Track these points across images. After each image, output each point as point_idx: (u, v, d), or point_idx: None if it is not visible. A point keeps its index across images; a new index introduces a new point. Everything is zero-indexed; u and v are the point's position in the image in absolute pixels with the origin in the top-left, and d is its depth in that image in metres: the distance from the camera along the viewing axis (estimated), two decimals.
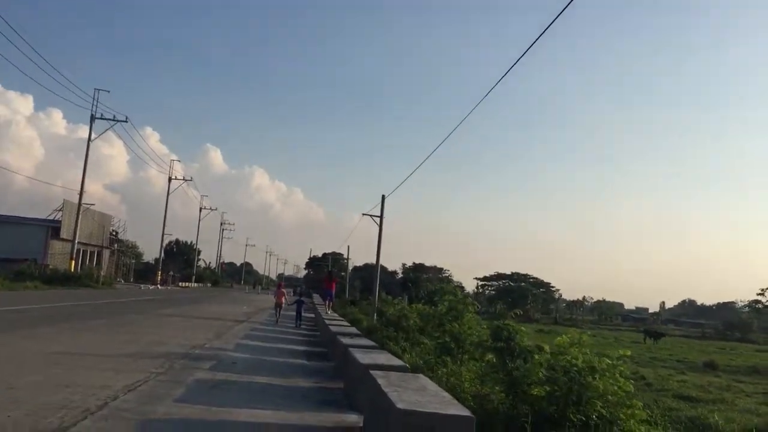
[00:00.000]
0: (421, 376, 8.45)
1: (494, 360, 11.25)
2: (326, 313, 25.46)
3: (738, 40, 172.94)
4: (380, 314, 29.56)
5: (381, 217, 38.42)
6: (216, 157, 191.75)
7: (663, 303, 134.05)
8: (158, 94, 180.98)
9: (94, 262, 62.81)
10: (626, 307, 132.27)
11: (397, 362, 9.14)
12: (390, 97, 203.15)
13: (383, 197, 38.14)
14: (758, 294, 79.58)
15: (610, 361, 9.09)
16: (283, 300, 26.80)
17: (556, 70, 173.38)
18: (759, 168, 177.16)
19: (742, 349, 47.74)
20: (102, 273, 56.90)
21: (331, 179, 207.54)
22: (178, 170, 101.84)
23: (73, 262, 51.46)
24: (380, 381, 7.12)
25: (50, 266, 52.41)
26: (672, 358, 33.19)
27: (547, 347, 11.03)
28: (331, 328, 15.95)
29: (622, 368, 9.30)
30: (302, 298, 28.05)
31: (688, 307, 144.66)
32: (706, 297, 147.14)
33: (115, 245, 72.14)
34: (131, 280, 73.80)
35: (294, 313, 26.27)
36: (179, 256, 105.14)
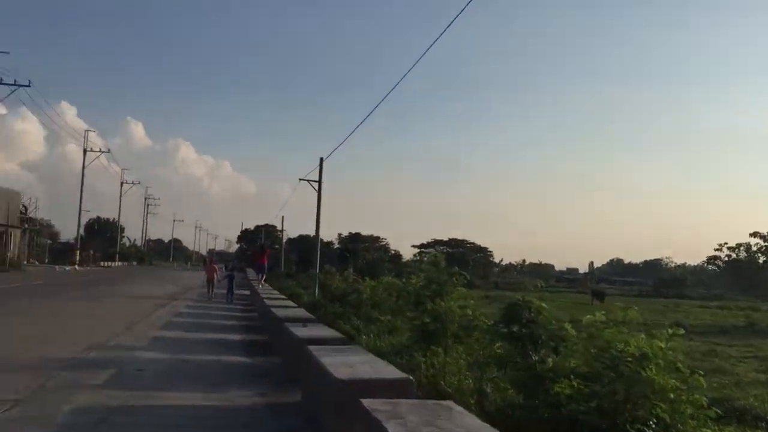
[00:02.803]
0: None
1: (503, 351, 8.39)
2: (259, 287, 24.17)
3: None
4: (323, 288, 27.36)
5: (320, 182, 35.12)
6: (138, 130, 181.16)
7: (592, 263, 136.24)
8: (72, 65, 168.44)
9: (7, 244, 56.77)
10: (557, 268, 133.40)
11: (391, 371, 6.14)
12: (319, 58, 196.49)
13: (321, 160, 34.80)
14: (716, 249, 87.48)
15: (661, 344, 6.50)
16: (215, 275, 26.47)
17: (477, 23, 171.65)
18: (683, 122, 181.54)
19: (686, 306, 47.13)
20: (9, 254, 51.31)
21: (261, 151, 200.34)
22: (97, 143, 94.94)
23: None
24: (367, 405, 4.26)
25: None
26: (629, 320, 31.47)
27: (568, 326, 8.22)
28: (275, 311, 12.70)
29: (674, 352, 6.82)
30: (233, 273, 27.65)
31: (616, 266, 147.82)
32: (632, 256, 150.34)
33: (26, 224, 65.78)
34: (46, 261, 67.76)
35: (225, 291, 25.53)
36: (102, 235, 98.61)
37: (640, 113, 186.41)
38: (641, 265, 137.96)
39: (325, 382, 5.74)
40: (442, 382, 9.70)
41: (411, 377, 5.55)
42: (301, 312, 13.47)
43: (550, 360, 7.65)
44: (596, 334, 7.12)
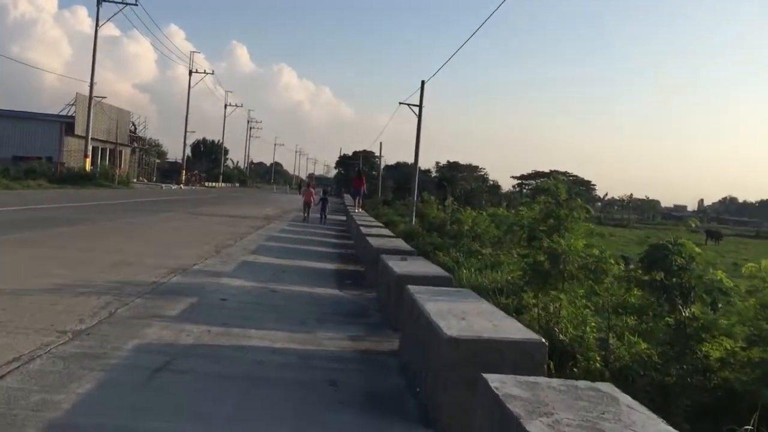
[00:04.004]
0: None
1: (643, 302, 6.93)
2: (356, 211, 24.80)
3: None
4: (420, 216, 26.30)
5: (420, 106, 33.57)
6: (243, 54, 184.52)
7: (702, 200, 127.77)
8: None
9: (115, 161, 59.16)
10: (663, 205, 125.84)
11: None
12: None
13: (422, 82, 33.09)
14: None
15: None
16: (312, 199, 26.97)
17: None
18: None
19: None
20: (120, 172, 53.38)
21: (361, 76, 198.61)
22: (204, 66, 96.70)
23: (88, 160, 47.88)
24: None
25: (65, 164, 49.05)
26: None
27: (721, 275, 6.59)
28: (371, 240, 11.62)
29: None
30: (326, 197, 28.66)
31: (729, 204, 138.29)
32: (748, 194, 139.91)
33: (135, 143, 68.31)
34: (154, 179, 70.53)
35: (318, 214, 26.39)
36: (207, 156, 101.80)
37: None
38: (757, 205, 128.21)
39: (431, 336, 4.54)
40: (557, 330, 8.38)
41: (544, 340, 4.24)
42: (399, 242, 12.35)
43: (700, 317, 6.15)
44: (762, 287, 5.64)
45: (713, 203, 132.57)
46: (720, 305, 6.17)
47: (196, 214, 24.00)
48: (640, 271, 6.88)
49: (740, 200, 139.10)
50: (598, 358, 6.79)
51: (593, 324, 7.61)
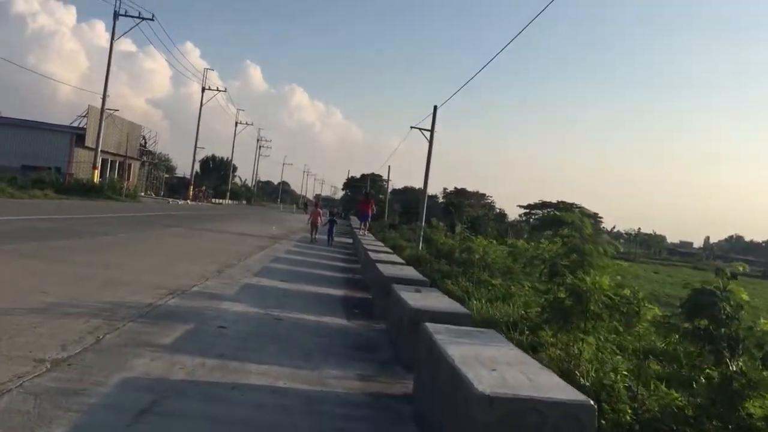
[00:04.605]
0: None
1: (680, 350, 6.33)
2: (363, 234, 24.39)
3: None
4: (427, 242, 25.65)
5: (432, 131, 33.27)
6: (256, 74, 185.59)
7: (708, 238, 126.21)
8: (197, 6, 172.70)
9: (124, 174, 58.91)
10: (668, 240, 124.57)
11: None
12: (434, 8, 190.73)
13: (435, 108, 32.90)
14: None
15: None
16: (319, 220, 26.82)
17: None
18: None
19: None
20: (128, 185, 53.09)
21: (371, 99, 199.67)
22: (216, 82, 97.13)
23: (97, 171, 47.59)
24: None
25: (73, 175, 48.79)
26: None
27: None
28: (381, 268, 11.05)
29: None
30: (334, 218, 29.02)
31: (735, 243, 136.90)
32: (755, 233, 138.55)
33: (144, 157, 68.17)
34: (161, 194, 70.26)
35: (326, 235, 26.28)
36: (215, 172, 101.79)
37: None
38: (764, 244, 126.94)
39: (455, 387, 3.97)
40: (578, 374, 7.78)
41: (593, 403, 3.64)
42: (410, 271, 11.77)
43: (750, 373, 5.53)
44: None
45: (719, 241, 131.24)
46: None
47: (201, 230, 23.49)
48: (679, 317, 6.27)
49: (747, 239, 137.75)
50: (629, 411, 6.18)
51: (624, 371, 7.02)
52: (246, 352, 6.23)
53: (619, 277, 8.10)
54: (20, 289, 7.67)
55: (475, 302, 12.23)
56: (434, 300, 7.65)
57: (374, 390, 5.62)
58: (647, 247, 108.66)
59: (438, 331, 5.30)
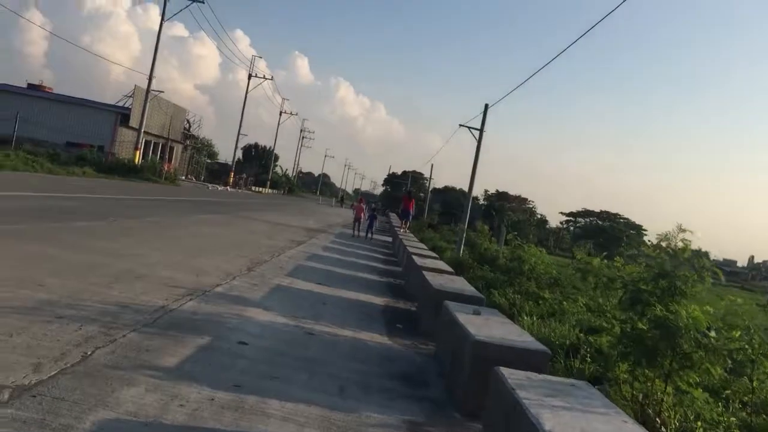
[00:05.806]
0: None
1: None
2: (403, 232, 23.80)
3: None
4: (470, 246, 24.71)
5: (481, 130, 31.77)
6: (303, 65, 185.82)
7: (752, 257, 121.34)
8: None
9: (166, 157, 58.70)
10: (711, 257, 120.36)
11: None
12: (486, 13, 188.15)
13: (486, 106, 31.39)
14: None
15: None
16: (362, 215, 26.93)
17: None
18: None
19: None
20: (168, 168, 52.75)
21: (416, 96, 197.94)
22: (264, 71, 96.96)
23: (139, 152, 47.28)
24: None
25: (115, 155, 48.62)
26: None
27: None
28: (428, 277, 9.72)
29: None
30: (375, 213, 29.21)
31: None
32: None
33: (188, 141, 68.01)
34: (202, 179, 70.06)
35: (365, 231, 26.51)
36: (257, 160, 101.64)
37: None
38: None
39: None
40: (658, 421, 6.43)
41: None
42: (462, 283, 10.43)
43: None
44: None
45: (765, 261, 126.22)
46: None
47: (237, 218, 22.49)
48: None
49: None
50: None
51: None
52: (268, 382, 4.99)
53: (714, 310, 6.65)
54: (14, 279, 6.56)
55: (525, 318, 10.97)
56: (500, 328, 6.29)
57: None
58: (690, 265, 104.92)
59: (520, 385, 3.96)
